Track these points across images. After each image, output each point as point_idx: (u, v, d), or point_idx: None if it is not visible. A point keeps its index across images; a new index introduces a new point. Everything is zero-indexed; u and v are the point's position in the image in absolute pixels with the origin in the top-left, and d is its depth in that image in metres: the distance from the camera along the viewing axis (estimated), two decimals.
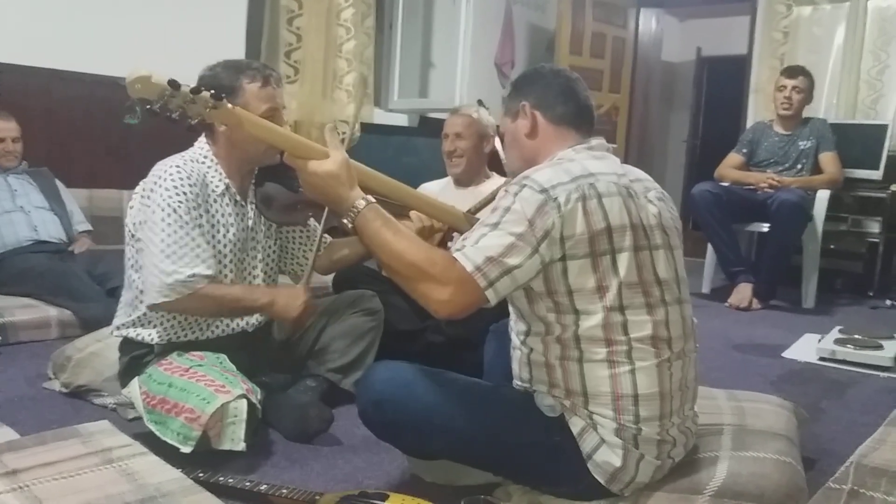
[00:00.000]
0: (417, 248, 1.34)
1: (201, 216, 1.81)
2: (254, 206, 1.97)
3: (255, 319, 1.99)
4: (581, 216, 1.32)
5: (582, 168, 1.38)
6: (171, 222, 1.74)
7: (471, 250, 1.30)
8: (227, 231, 1.88)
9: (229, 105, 1.53)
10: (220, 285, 1.84)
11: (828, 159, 4.22)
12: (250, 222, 1.96)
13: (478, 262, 1.29)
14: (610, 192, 1.36)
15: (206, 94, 1.47)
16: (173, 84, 1.42)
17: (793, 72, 4.28)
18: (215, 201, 1.87)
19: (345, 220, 1.43)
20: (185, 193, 1.77)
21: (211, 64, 1.87)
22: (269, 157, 1.86)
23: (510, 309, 1.49)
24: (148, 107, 1.44)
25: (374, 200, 1.42)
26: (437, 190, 2.73)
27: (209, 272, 1.78)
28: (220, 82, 1.78)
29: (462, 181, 2.76)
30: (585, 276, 1.33)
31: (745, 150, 4.39)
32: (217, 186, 1.87)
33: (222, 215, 1.88)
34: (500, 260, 1.29)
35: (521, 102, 1.53)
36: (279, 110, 1.88)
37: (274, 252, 2.07)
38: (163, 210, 1.75)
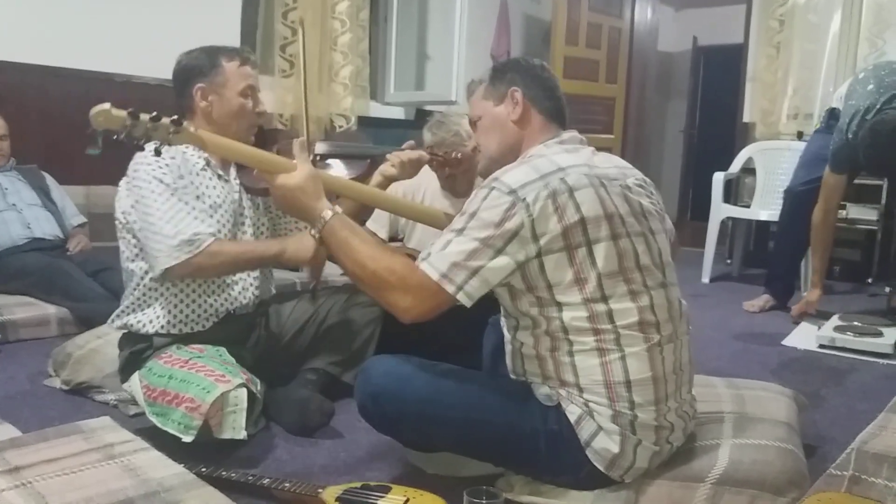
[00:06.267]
0: (380, 257, 1.38)
1: (187, 185, 1.83)
2: (238, 183, 1.97)
3: (246, 300, 1.97)
4: (552, 212, 1.33)
5: (550, 163, 1.39)
6: (162, 191, 1.77)
7: (436, 257, 1.34)
8: (214, 201, 1.89)
9: (192, 128, 1.58)
10: (227, 240, 1.86)
11: None
12: (236, 195, 1.97)
13: (443, 270, 1.32)
14: (581, 184, 1.36)
15: (166, 121, 1.50)
16: (133, 115, 1.46)
17: None
18: (198, 175, 1.88)
19: (312, 232, 1.50)
20: (166, 164, 1.80)
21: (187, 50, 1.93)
22: (245, 136, 1.89)
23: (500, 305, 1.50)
24: (114, 137, 1.47)
25: (340, 211, 1.48)
26: (413, 186, 2.48)
27: (211, 230, 1.79)
28: (199, 63, 1.88)
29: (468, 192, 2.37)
30: (562, 269, 1.35)
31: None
32: (197, 163, 1.89)
33: (206, 187, 1.89)
34: (465, 263, 1.32)
35: (513, 88, 1.53)
36: (256, 90, 1.93)
37: (265, 227, 2.08)
38: (149, 183, 1.78)
